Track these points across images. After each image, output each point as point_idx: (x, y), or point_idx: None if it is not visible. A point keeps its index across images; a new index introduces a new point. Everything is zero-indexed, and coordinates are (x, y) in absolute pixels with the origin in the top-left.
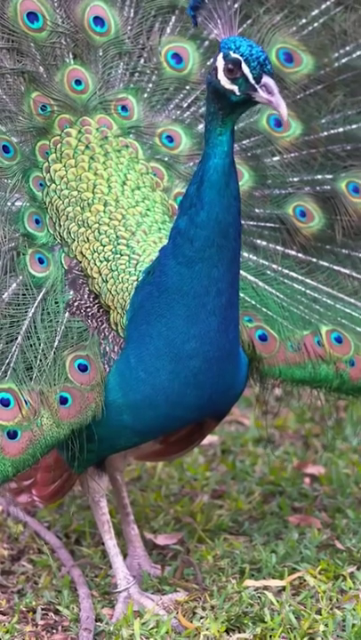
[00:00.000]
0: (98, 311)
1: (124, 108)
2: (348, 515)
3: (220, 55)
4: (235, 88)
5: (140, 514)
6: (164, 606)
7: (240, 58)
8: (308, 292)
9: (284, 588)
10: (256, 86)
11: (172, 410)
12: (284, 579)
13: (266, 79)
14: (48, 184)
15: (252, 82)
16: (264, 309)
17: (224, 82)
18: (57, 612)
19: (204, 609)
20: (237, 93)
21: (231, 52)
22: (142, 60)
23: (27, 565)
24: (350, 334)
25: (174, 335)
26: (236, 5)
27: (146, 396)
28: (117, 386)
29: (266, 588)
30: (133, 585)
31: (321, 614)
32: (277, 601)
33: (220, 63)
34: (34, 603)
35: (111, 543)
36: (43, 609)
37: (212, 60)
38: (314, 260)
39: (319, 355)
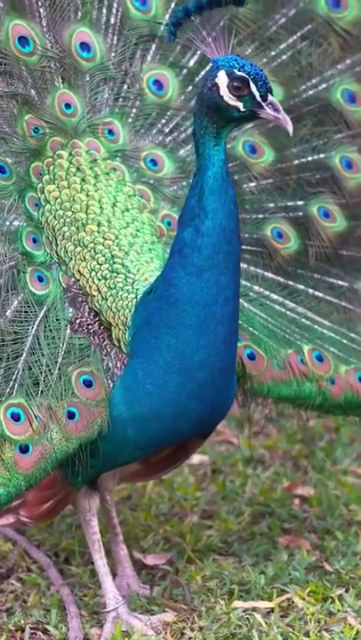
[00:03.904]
0: (99, 328)
1: (110, 131)
2: (337, 537)
3: (223, 72)
4: (240, 105)
5: (130, 533)
6: (152, 627)
7: (247, 76)
8: (287, 313)
9: (272, 610)
10: (263, 104)
11: (175, 423)
12: (273, 600)
13: (271, 98)
14: (43, 204)
15: (259, 100)
16: (250, 329)
17: (228, 98)
18: (45, 632)
19: (192, 630)
20: (242, 110)
21: (236, 71)
22: (126, 86)
23: (15, 584)
24: (329, 353)
25: (184, 346)
26: (215, 31)
27: (152, 409)
28: (122, 400)
29: (254, 609)
30: (122, 605)
31: (309, 636)
32: (266, 622)
33: (223, 80)
34: (22, 622)
35: (101, 562)
36: (31, 628)
37: (205, 77)
38: (291, 282)
39: (303, 372)
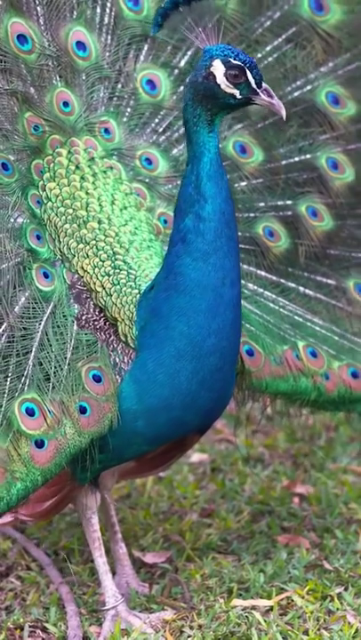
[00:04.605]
0: (104, 324)
1: (106, 130)
2: (336, 535)
3: (218, 61)
4: (236, 92)
5: (129, 532)
6: (151, 625)
7: (243, 65)
8: (280, 310)
9: (271, 608)
10: (258, 91)
11: (184, 413)
12: (272, 598)
13: (264, 84)
14: (45, 202)
15: (255, 87)
16: (247, 325)
17: (224, 86)
18: (44, 630)
19: (191, 628)
20: (238, 97)
21: (232, 59)
22: (120, 85)
23: (15, 582)
24: (322, 350)
25: (196, 332)
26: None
27: (163, 399)
28: (133, 392)
29: (254, 607)
30: (121, 603)
31: (308, 635)
32: (265, 621)
33: (220, 69)
34: (21, 620)
35: (101, 561)
36: (30, 626)
37: (197, 67)
38: (282, 281)
39: (299, 368)
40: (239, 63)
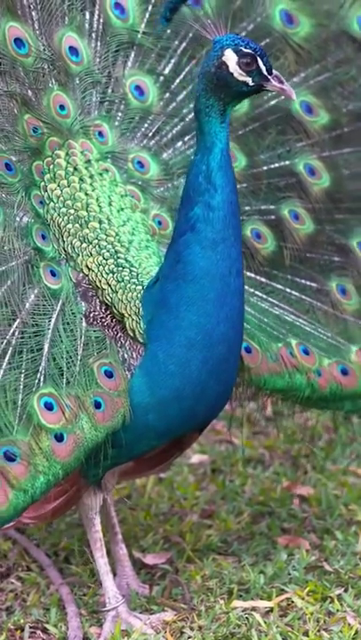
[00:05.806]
0: (111, 321)
1: (100, 133)
2: (336, 536)
3: (230, 50)
4: (248, 80)
5: (130, 532)
6: (151, 626)
7: (253, 52)
8: (271, 310)
9: (271, 610)
10: (269, 77)
11: (194, 403)
12: (272, 600)
13: (275, 71)
14: (47, 202)
15: (266, 73)
16: (244, 323)
17: (237, 74)
18: (45, 631)
19: (191, 629)
20: (251, 84)
21: (243, 48)
22: (110, 90)
23: (15, 583)
24: (312, 347)
25: (206, 321)
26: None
27: (174, 390)
28: (144, 386)
29: (254, 608)
30: (122, 604)
31: (308, 636)
32: (265, 622)
33: (232, 58)
34: (22, 621)
35: (102, 561)
36: (31, 627)
37: (208, 58)
38: (271, 282)
39: (293, 365)
40: (250, 51)
